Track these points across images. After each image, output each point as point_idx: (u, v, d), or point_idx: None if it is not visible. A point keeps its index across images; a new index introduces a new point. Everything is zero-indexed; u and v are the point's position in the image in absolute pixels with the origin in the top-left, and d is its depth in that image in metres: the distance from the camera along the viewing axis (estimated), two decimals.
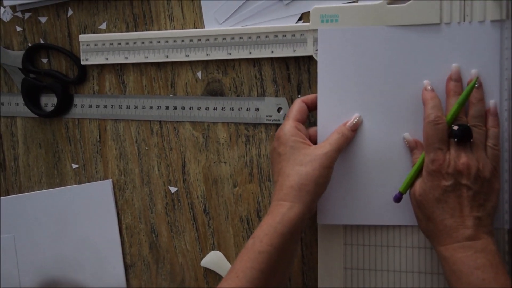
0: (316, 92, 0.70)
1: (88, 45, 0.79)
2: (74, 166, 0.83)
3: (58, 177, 0.84)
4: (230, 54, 0.74)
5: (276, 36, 0.72)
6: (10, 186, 0.86)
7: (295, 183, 0.62)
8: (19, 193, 0.85)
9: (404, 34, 0.67)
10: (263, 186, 0.76)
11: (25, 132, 0.85)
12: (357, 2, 0.70)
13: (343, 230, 0.71)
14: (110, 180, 0.82)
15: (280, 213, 0.62)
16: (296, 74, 0.74)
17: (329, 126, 0.69)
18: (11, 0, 0.81)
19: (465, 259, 0.58)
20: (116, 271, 0.82)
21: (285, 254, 0.62)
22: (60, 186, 0.84)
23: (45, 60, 0.83)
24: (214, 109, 0.76)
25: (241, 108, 0.75)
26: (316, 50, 0.70)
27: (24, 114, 0.84)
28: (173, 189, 0.79)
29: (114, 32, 0.79)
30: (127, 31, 0.79)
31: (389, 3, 0.67)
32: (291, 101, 0.74)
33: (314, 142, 0.69)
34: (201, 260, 0.79)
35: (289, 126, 0.66)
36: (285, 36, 0.71)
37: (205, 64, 0.76)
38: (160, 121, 0.79)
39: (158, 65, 0.78)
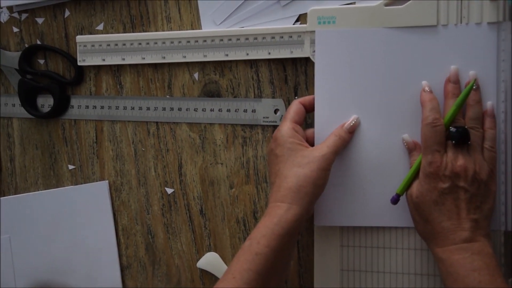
0: (313, 93, 0.70)
1: (85, 46, 0.79)
2: (71, 167, 0.83)
3: (54, 178, 0.84)
4: (227, 55, 0.74)
5: (273, 37, 0.72)
6: (6, 187, 0.86)
7: (293, 184, 0.62)
8: (15, 194, 0.85)
9: (401, 36, 0.67)
10: (260, 187, 0.76)
11: (21, 133, 0.84)
12: (354, 3, 0.70)
13: (340, 231, 0.71)
14: (107, 181, 0.81)
15: (278, 214, 0.61)
16: (293, 75, 0.74)
17: (327, 128, 0.69)
18: (8, 0, 0.81)
19: (462, 261, 0.58)
20: (112, 272, 0.82)
21: (282, 256, 0.61)
22: (57, 187, 0.84)
23: (42, 61, 0.82)
24: (211, 110, 0.76)
25: (238, 109, 0.75)
26: (313, 51, 0.70)
27: (20, 115, 0.84)
28: (169, 190, 0.79)
29: (111, 33, 0.79)
30: (124, 32, 0.79)
31: (386, 5, 0.67)
32: (288, 103, 0.74)
33: (311, 143, 0.69)
34: (197, 262, 0.79)
35: (286, 128, 0.66)
36: (282, 37, 0.71)
37: (202, 65, 0.76)
38: (156, 122, 0.79)
39: (155, 66, 0.78)
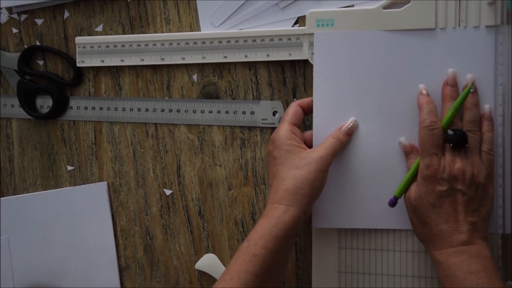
0: (311, 96, 0.70)
1: (84, 47, 0.79)
2: (69, 168, 0.83)
3: (53, 179, 0.84)
4: (226, 57, 0.74)
5: (272, 39, 0.72)
6: (5, 188, 0.86)
7: (291, 186, 0.62)
8: (14, 194, 0.85)
9: (399, 39, 0.67)
10: (258, 189, 0.76)
11: (20, 134, 0.84)
12: (353, 6, 0.70)
13: (338, 233, 0.71)
14: (105, 182, 0.82)
15: (275, 216, 0.61)
16: (291, 77, 0.74)
17: (325, 130, 0.69)
18: (8, 1, 0.81)
19: (459, 264, 0.58)
20: (110, 273, 0.82)
21: (279, 257, 0.61)
22: (55, 188, 0.84)
23: (41, 62, 0.82)
24: (209, 112, 0.76)
25: (236, 111, 0.75)
26: (312, 54, 0.70)
27: (19, 115, 0.84)
28: (168, 192, 0.79)
29: (110, 34, 0.79)
30: (123, 33, 0.79)
31: (384, 8, 0.67)
32: (286, 105, 0.74)
33: (309, 146, 0.69)
34: (195, 263, 0.79)
35: (284, 130, 0.66)
36: (281, 39, 0.71)
37: (201, 67, 0.76)
38: (155, 124, 0.79)
39: (154, 67, 0.78)
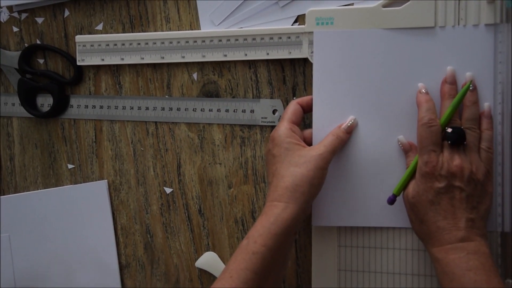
0: (311, 94, 0.70)
1: (84, 46, 0.79)
2: (70, 166, 0.83)
3: (53, 177, 0.84)
4: (225, 55, 0.74)
5: (271, 38, 0.72)
6: (5, 186, 0.86)
7: (290, 184, 0.62)
8: (15, 193, 0.85)
9: (399, 37, 0.67)
10: (258, 187, 0.76)
11: (21, 132, 0.85)
12: (353, 5, 0.70)
13: (337, 232, 0.71)
14: (106, 180, 0.82)
15: (274, 213, 0.62)
16: (291, 76, 0.74)
17: (324, 128, 0.69)
18: (8, 0, 0.81)
19: (458, 260, 0.58)
20: (111, 271, 0.82)
21: (279, 255, 0.62)
22: (56, 186, 0.84)
23: (41, 61, 0.83)
24: (209, 110, 0.77)
25: (236, 109, 0.76)
26: (312, 52, 0.70)
27: (20, 114, 0.84)
28: (168, 190, 0.79)
29: (111, 33, 0.79)
30: (123, 32, 0.79)
31: (384, 6, 0.68)
32: (286, 103, 0.74)
33: (309, 144, 0.69)
34: (195, 261, 0.79)
35: (283, 128, 0.66)
36: (280, 38, 0.72)
37: (200, 65, 0.77)
38: (155, 122, 0.79)
39: (154, 66, 0.78)
